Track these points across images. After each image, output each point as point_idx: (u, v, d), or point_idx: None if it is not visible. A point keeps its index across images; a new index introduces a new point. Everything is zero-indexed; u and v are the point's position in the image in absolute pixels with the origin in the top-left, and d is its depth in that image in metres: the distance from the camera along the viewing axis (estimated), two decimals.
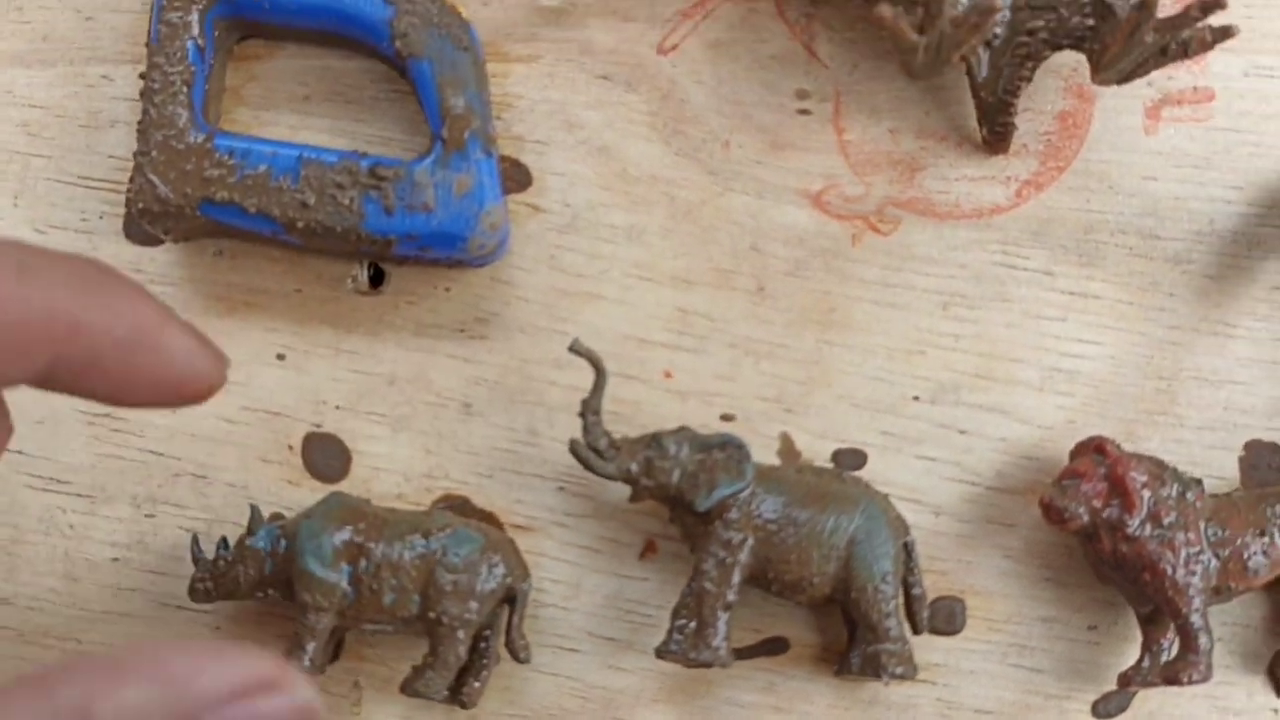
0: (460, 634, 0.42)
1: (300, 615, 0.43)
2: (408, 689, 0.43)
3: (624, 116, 0.48)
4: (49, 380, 0.27)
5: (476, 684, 0.44)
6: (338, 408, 0.47)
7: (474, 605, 0.42)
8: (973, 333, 0.46)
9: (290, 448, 0.47)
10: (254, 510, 0.44)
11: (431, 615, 0.42)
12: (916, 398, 0.46)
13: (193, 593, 0.44)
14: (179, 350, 0.28)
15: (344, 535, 0.43)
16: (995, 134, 0.46)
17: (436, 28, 0.45)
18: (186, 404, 0.29)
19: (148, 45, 0.47)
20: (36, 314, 0.26)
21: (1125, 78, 0.44)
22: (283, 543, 0.43)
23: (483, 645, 0.44)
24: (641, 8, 0.48)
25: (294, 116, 0.48)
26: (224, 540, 0.44)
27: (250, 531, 0.44)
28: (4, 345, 0.26)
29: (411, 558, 0.42)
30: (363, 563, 0.42)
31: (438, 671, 0.43)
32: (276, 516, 0.45)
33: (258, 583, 0.43)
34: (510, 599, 0.44)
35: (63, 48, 0.49)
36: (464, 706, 0.44)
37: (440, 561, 0.42)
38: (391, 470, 0.47)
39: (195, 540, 0.44)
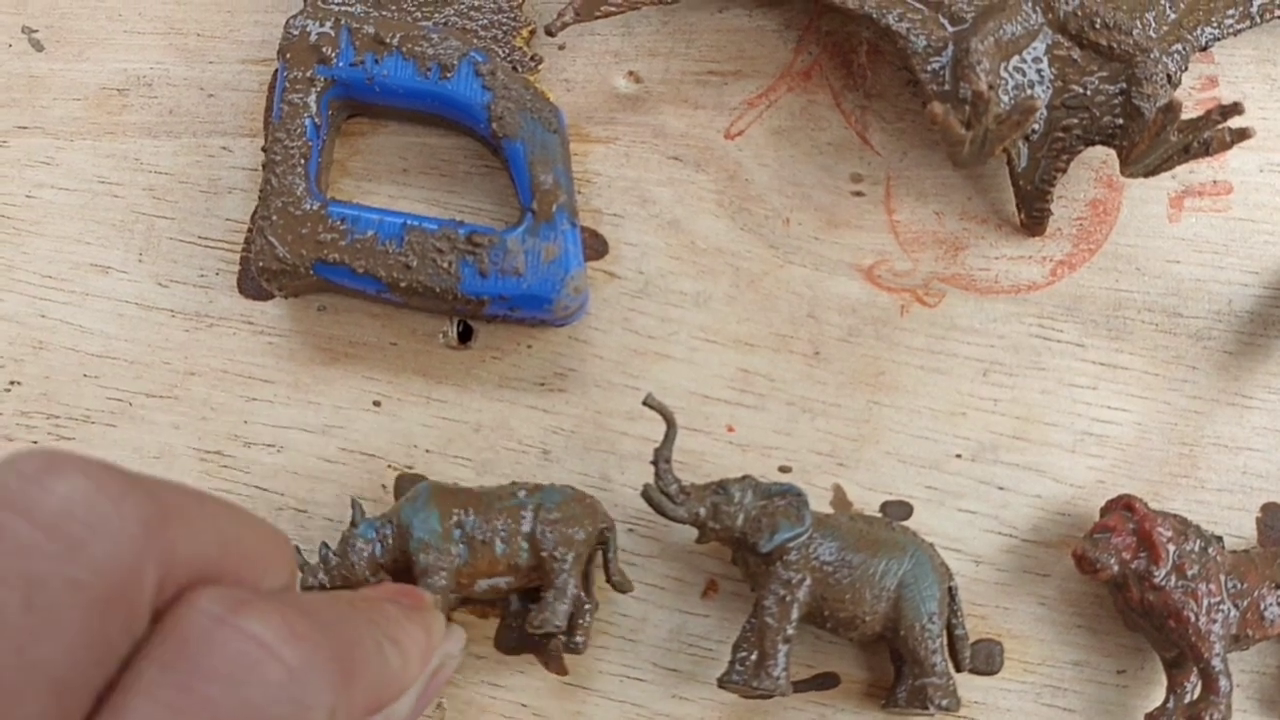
0: (569, 562, 0.46)
1: (422, 581, 0.46)
2: (534, 621, 0.46)
3: (693, 194, 0.53)
4: None
5: (580, 632, 0.47)
6: (428, 451, 0.51)
7: (580, 535, 0.47)
8: (1010, 398, 0.51)
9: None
10: (355, 503, 0.48)
11: (543, 554, 0.46)
12: (958, 455, 0.50)
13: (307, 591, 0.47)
14: None
15: (446, 506, 0.47)
16: (1032, 218, 0.51)
17: (529, 111, 0.51)
18: None
19: (268, 122, 0.52)
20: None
21: (1151, 172, 0.49)
22: (389, 527, 0.47)
23: (581, 595, 0.47)
24: (710, 97, 0.54)
25: (393, 187, 0.53)
26: (324, 545, 0.47)
27: (354, 523, 0.48)
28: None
29: (513, 508, 0.47)
30: (470, 521, 0.47)
31: (556, 600, 0.46)
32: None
33: (372, 568, 0.47)
34: (604, 542, 0.48)
35: (187, 121, 0.54)
36: (577, 651, 0.47)
37: (539, 508, 0.47)
38: None
39: (324, 547, 0.47)
